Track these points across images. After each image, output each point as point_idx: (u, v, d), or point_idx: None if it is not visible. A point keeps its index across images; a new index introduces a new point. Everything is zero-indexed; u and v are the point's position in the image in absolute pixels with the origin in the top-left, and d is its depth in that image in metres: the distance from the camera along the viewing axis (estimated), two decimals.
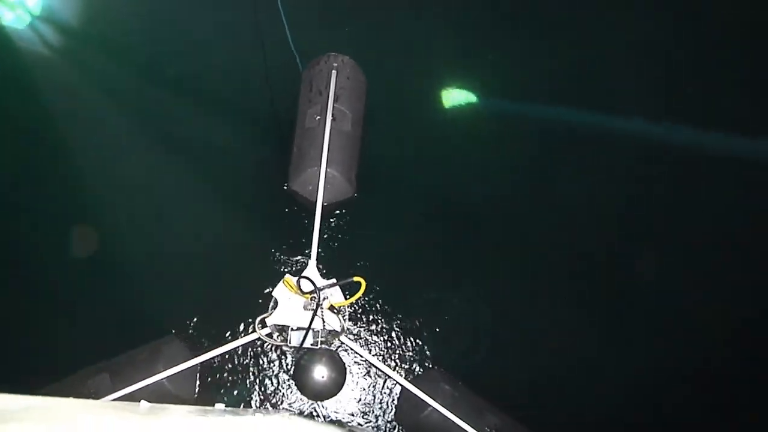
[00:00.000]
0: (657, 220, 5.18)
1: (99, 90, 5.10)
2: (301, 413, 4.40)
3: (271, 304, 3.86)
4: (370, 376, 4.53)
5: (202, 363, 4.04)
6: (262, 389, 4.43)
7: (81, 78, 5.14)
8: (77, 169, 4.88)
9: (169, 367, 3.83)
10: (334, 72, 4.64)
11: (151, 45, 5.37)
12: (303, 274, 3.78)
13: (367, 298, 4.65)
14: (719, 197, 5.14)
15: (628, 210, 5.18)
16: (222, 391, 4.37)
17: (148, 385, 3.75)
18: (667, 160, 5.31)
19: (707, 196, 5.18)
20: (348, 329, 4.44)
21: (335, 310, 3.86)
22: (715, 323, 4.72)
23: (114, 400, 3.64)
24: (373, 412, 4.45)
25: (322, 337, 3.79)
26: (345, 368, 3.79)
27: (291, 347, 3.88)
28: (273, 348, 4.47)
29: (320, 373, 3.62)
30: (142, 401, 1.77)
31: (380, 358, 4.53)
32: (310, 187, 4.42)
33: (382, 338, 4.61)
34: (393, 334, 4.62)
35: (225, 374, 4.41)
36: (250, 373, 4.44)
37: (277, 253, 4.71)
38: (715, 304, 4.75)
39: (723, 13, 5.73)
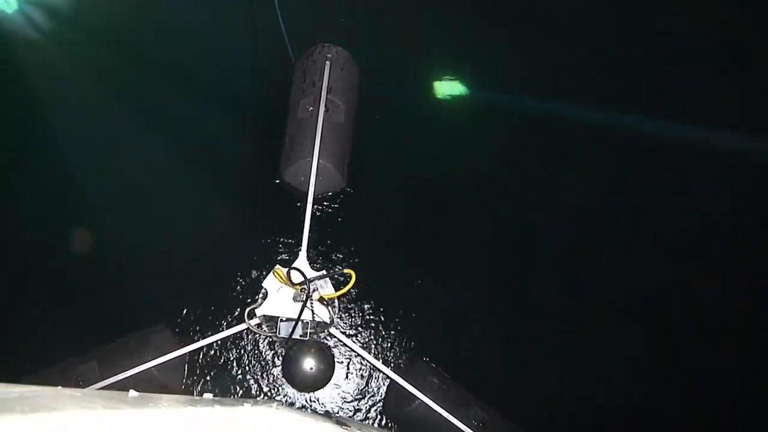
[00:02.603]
0: (651, 215, 5.17)
1: (87, 77, 5.04)
2: (289, 404, 4.41)
3: (261, 294, 3.86)
4: (359, 368, 4.54)
5: (190, 352, 4.04)
6: (251, 380, 4.43)
7: (69, 64, 5.07)
8: (64, 156, 4.83)
9: (158, 356, 3.83)
10: (327, 63, 4.62)
11: (142, 33, 5.32)
12: (293, 266, 3.78)
13: (357, 290, 4.64)
14: (720, 194, 5.12)
15: (620, 204, 5.18)
16: (210, 380, 4.37)
17: (136, 373, 3.75)
18: (657, 153, 5.32)
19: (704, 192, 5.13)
20: (337, 321, 4.44)
21: (325, 302, 3.87)
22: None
23: (102, 388, 3.63)
24: (361, 403, 4.47)
25: (311, 328, 3.80)
26: (334, 360, 3.80)
27: (280, 338, 3.89)
28: (262, 339, 4.47)
29: (309, 364, 3.63)
30: (131, 390, 1.77)
31: (369, 350, 4.55)
32: (302, 178, 4.40)
33: (371, 330, 4.63)
34: (382, 327, 4.64)
35: (213, 364, 4.41)
36: (239, 364, 4.44)
37: (268, 244, 4.70)
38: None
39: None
